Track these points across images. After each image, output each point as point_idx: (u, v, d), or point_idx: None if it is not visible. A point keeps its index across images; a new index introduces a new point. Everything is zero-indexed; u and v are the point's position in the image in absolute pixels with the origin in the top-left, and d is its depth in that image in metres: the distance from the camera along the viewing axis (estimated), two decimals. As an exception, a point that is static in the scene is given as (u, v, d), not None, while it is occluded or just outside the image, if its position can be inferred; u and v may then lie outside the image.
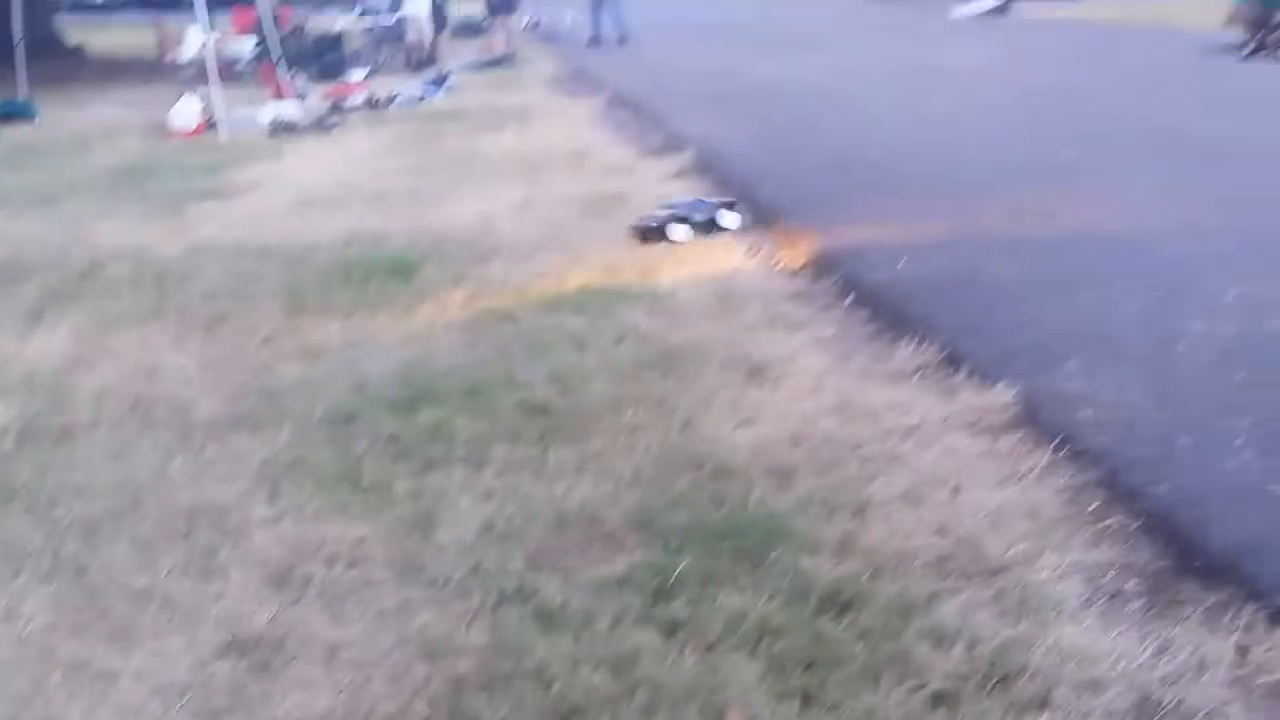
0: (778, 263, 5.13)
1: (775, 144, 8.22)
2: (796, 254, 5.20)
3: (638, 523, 2.75)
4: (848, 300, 4.50)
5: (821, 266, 4.97)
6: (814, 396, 3.52)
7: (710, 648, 2.25)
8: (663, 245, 5.39)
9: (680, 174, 7.22)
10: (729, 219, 5.65)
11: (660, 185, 6.86)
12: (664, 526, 2.72)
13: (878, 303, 4.41)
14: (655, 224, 5.57)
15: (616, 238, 5.58)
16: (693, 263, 5.08)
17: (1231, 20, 14.64)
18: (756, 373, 3.73)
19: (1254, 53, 14.02)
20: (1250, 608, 2.30)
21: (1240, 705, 2.05)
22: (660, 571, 2.51)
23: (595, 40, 17.39)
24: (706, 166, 7.34)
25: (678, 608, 2.38)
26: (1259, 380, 3.47)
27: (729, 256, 5.20)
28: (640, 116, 9.96)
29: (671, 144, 8.29)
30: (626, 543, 2.68)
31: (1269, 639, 2.20)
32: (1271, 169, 6.76)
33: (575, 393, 3.59)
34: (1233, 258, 4.77)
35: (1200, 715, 2.02)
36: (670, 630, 2.31)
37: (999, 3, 29.89)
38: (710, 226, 5.58)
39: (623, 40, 16.98)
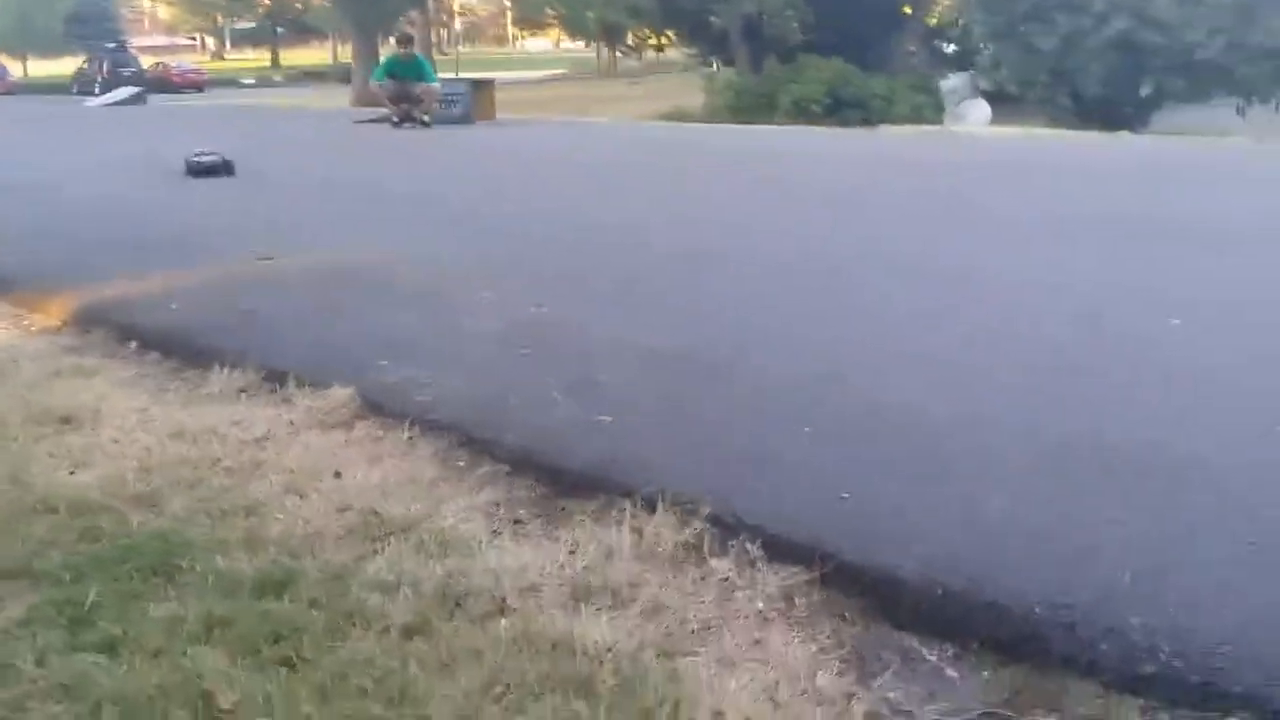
0: (30, 325, 4.72)
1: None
2: (49, 316, 4.82)
3: (12, 571, 2.43)
4: (132, 345, 4.29)
5: (86, 321, 4.66)
6: (145, 429, 3.33)
7: (159, 652, 2.09)
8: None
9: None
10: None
11: None
12: (46, 568, 2.43)
13: (166, 343, 4.27)
14: None
15: None
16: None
17: (377, 97, 16.31)
18: (69, 421, 3.42)
19: (401, 122, 15.74)
20: (627, 503, 2.68)
21: (652, 571, 2.42)
22: (68, 604, 2.26)
23: None
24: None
25: (107, 628, 2.16)
26: (539, 350, 4.02)
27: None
28: None
29: None
30: (8, 590, 2.36)
31: (652, 521, 2.60)
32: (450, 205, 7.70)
33: None
34: (471, 272, 5.40)
35: (626, 586, 2.35)
36: (110, 647, 2.10)
37: (134, 92, 29.79)
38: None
39: None
